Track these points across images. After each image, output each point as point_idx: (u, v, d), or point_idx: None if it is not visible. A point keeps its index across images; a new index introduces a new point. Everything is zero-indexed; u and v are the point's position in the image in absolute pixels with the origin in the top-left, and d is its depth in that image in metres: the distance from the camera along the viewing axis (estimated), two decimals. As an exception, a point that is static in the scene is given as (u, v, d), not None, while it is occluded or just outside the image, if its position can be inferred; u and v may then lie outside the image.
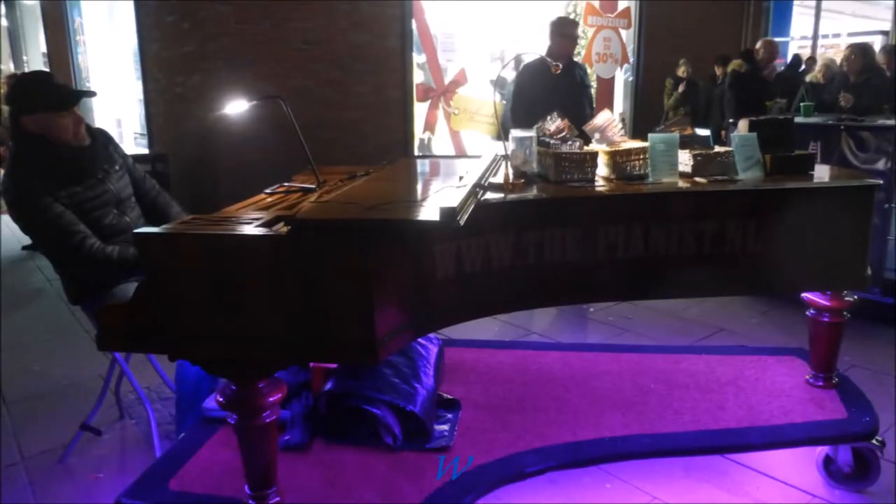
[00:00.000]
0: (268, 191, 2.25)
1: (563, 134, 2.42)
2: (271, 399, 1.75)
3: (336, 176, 2.40)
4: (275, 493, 1.84)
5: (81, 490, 2.44)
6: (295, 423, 2.22)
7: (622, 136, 2.50)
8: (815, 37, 11.13)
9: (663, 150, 2.28)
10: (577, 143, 2.35)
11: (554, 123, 2.45)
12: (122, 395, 2.98)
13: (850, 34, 12.50)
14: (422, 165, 2.82)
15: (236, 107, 2.22)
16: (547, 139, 2.39)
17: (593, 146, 2.45)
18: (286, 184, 2.34)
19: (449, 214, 1.55)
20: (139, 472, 2.07)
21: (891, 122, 4.04)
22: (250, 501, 1.82)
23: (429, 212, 1.60)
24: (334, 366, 2.33)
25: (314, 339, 1.64)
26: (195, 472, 2.00)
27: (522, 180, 2.24)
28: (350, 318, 1.61)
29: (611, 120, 2.52)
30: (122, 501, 1.85)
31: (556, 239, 2.10)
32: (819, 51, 11.14)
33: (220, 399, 1.74)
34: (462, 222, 1.58)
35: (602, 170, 2.37)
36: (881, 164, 3.91)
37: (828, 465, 2.39)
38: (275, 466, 1.83)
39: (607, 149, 2.36)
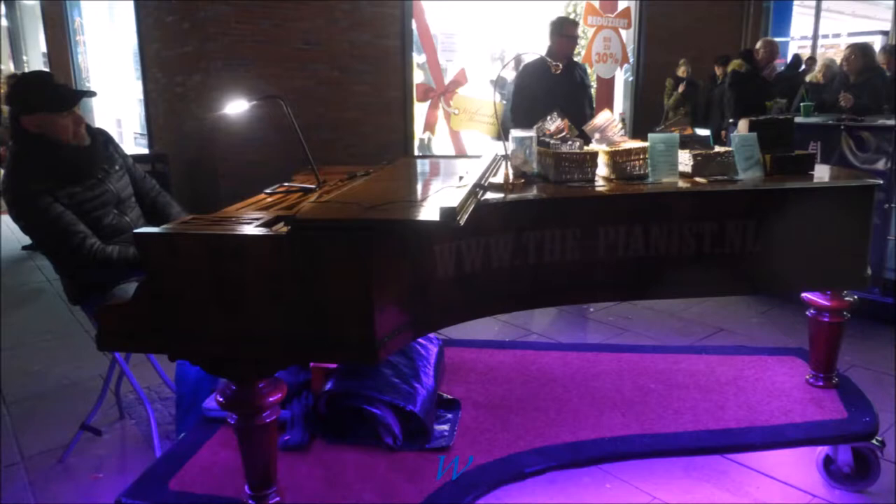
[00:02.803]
0: (268, 191, 2.25)
1: (563, 134, 2.42)
2: (271, 399, 1.75)
3: (336, 176, 2.40)
4: (275, 493, 1.84)
5: (81, 490, 2.44)
6: (295, 423, 2.22)
7: (622, 136, 2.50)
8: (815, 37, 11.13)
9: (663, 150, 2.28)
10: (577, 143, 2.35)
11: (554, 123, 2.45)
12: (122, 395, 2.98)
13: (850, 34, 12.51)
14: (422, 165, 2.82)
15: (237, 107, 2.22)
16: (547, 139, 2.39)
17: (593, 146, 2.45)
18: (286, 184, 2.34)
19: (449, 214, 1.55)
20: (139, 472, 2.07)
21: (891, 122, 4.04)
22: (250, 501, 1.82)
23: (429, 212, 1.59)
24: (334, 366, 2.33)
25: (314, 338, 1.64)
26: (195, 472, 2.00)
27: (522, 180, 2.24)
28: (350, 318, 1.61)
29: (611, 120, 2.52)
30: (122, 501, 1.85)
31: (556, 239, 2.10)
32: (819, 51, 11.15)
33: (220, 399, 1.73)
34: (462, 222, 1.58)
35: (602, 170, 2.36)
36: (881, 164, 3.91)
37: (828, 465, 2.39)
38: (275, 466, 1.83)
39: (607, 149, 2.36)
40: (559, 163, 2.25)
